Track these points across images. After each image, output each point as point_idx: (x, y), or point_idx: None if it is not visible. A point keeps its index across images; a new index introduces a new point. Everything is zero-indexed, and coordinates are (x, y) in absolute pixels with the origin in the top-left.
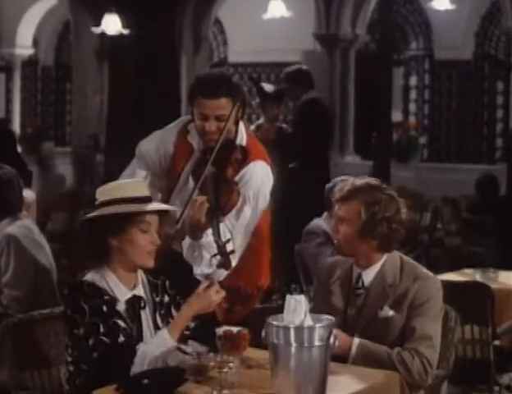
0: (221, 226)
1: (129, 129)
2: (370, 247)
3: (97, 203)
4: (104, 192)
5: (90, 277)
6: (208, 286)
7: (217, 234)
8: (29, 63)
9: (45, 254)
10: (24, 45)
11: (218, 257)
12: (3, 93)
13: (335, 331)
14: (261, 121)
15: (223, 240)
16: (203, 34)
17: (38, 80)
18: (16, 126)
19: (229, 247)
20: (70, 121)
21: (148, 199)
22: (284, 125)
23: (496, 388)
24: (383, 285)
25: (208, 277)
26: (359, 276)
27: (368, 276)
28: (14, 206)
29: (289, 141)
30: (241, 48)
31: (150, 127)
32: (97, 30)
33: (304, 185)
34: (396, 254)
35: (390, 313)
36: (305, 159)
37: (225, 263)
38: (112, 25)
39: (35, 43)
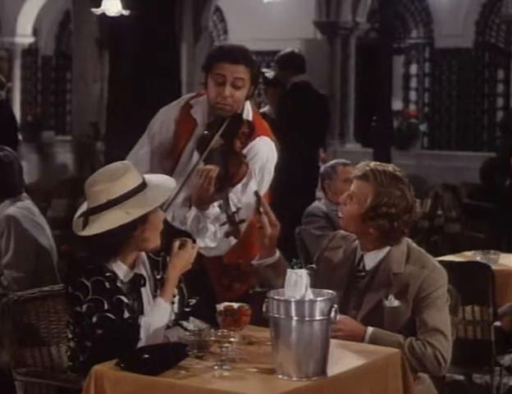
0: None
1: (129, 117)
2: (370, 234)
3: (105, 201)
4: (110, 188)
5: None
6: (182, 244)
7: (226, 204)
8: (30, 52)
9: (45, 235)
10: (24, 34)
11: (227, 226)
12: None
13: (345, 319)
14: (265, 108)
15: (233, 209)
16: (203, 22)
17: (38, 69)
18: (17, 115)
19: (238, 216)
20: (71, 110)
21: (145, 182)
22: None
23: (497, 369)
24: (388, 272)
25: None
26: (361, 258)
27: (370, 260)
28: (15, 187)
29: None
30: (242, 36)
31: (151, 115)
32: (97, 11)
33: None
34: (404, 241)
35: (396, 302)
36: (285, 144)
37: (234, 232)
38: (112, 5)
39: (35, 32)
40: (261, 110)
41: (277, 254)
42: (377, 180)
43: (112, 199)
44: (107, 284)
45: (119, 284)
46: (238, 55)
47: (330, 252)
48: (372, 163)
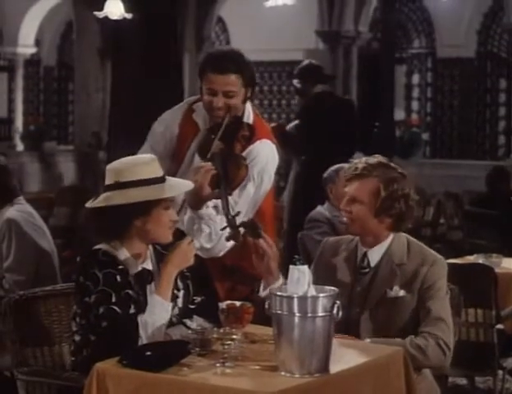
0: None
1: (131, 126)
2: (382, 226)
3: (113, 182)
4: (122, 172)
5: (103, 246)
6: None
7: (226, 207)
8: (32, 63)
9: (46, 238)
10: (26, 44)
11: (228, 230)
12: (5, 93)
13: (341, 336)
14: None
15: (232, 213)
16: (205, 32)
17: (40, 79)
18: (19, 126)
19: (238, 220)
20: (73, 120)
21: (164, 178)
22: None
23: (500, 372)
24: (391, 264)
25: None
26: (365, 254)
27: (374, 255)
28: (14, 191)
29: (289, 136)
30: (244, 47)
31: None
32: (100, 15)
33: (312, 177)
34: (402, 235)
35: (401, 292)
36: (310, 153)
37: (235, 236)
38: (114, 8)
39: (37, 42)
40: (288, 126)
41: (281, 276)
42: (378, 170)
43: (120, 181)
44: (118, 277)
45: (130, 278)
46: (226, 64)
47: (326, 260)
48: (363, 159)
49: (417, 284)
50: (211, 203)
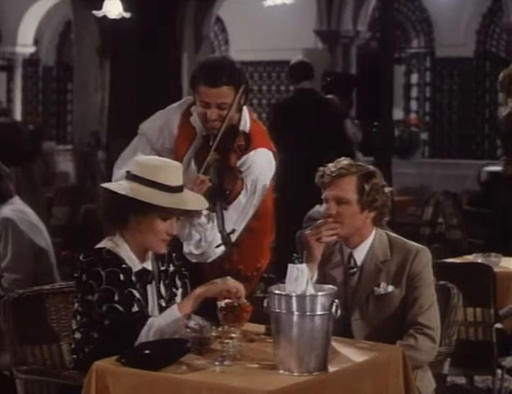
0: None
1: (130, 126)
2: (367, 221)
3: (131, 173)
4: (142, 168)
5: (106, 244)
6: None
7: (221, 223)
8: (31, 62)
9: (42, 236)
10: (25, 44)
11: (222, 247)
12: (4, 93)
13: None
14: None
15: (227, 230)
16: (204, 33)
17: (39, 79)
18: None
19: (233, 238)
20: (72, 120)
21: (180, 189)
22: None
23: (499, 371)
24: (375, 262)
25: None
26: (351, 255)
27: (359, 254)
28: (8, 191)
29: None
30: (242, 46)
31: None
32: (98, 14)
33: (292, 174)
34: (382, 232)
35: (390, 288)
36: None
37: (229, 254)
38: (113, 7)
39: (36, 42)
40: None
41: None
42: (354, 168)
43: (148, 179)
44: (121, 276)
45: (133, 277)
46: (219, 77)
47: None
48: (333, 164)
49: (404, 277)
50: (204, 211)
